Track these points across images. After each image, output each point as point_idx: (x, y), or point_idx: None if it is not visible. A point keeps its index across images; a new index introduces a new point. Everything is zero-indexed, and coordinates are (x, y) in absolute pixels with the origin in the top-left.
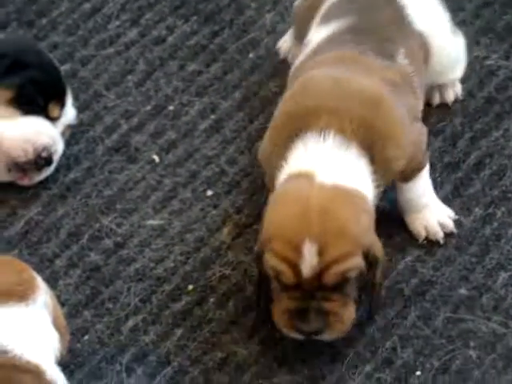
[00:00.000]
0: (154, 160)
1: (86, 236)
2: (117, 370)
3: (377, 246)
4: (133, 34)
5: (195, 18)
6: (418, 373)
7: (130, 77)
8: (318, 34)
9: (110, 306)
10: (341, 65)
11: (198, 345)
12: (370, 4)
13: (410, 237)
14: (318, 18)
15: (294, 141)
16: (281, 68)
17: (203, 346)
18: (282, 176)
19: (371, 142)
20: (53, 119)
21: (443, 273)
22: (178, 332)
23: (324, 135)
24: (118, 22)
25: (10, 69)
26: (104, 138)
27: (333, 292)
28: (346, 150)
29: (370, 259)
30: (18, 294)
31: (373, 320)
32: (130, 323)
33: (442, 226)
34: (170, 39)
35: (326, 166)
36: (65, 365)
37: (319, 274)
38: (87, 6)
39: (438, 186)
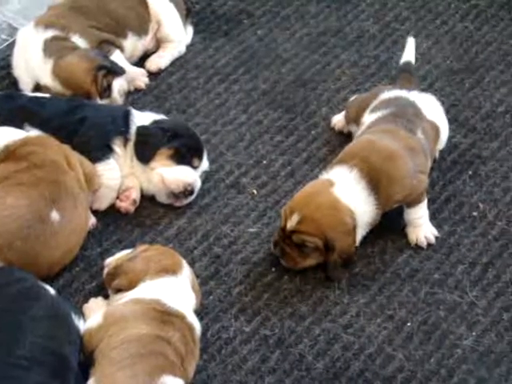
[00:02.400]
0: (253, 193)
1: (212, 237)
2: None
3: (340, 243)
4: (243, 118)
5: (280, 109)
6: (409, 324)
7: (240, 143)
8: (370, 117)
9: (226, 279)
10: (382, 134)
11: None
12: (401, 104)
13: (406, 241)
14: (369, 110)
15: (336, 167)
16: (333, 138)
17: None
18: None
19: (378, 181)
20: (194, 167)
21: (424, 264)
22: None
23: (351, 169)
24: (234, 111)
25: (171, 137)
26: (224, 179)
27: (296, 246)
28: (359, 181)
29: (329, 246)
30: (172, 269)
31: (331, 280)
32: (237, 289)
33: (427, 238)
34: (265, 122)
35: (340, 182)
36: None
37: (292, 232)
38: (217, 101)
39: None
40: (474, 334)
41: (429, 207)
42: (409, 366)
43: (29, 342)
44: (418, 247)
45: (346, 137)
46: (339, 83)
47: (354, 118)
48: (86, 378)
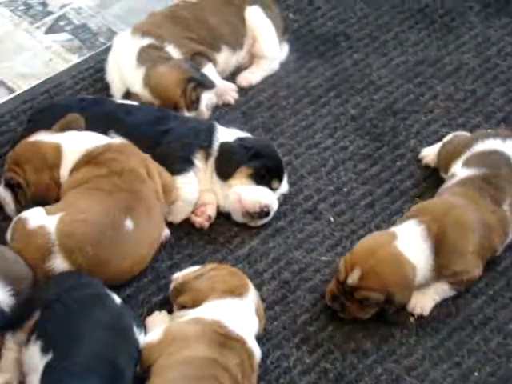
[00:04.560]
0: (330, 220)
1: (283, 262)
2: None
3: (399, 296)
4: (329, 142)
5: (367, 137)
6: (476, 373)
7: (322, 168)
8: (460, 172)
9: (292, 306)
10: (464, 199)
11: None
12: (494, 162)
13: (482, 286)
14: (460, 162)
15: (406, 220)
16: (418, 171)
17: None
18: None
19: (442, 246)
20: (273, 189)
21: (499, 313)
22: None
23: (419, 224)
24: (320, 134)
25: (253, 156)
26: (302, 203)
27: (357, 300)
28: (425, 239)
29: (389, 299)
30: (238, 291)
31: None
32: (302, 318)
33: (421, 309)
34: (351, 148)
35: (405, 236)
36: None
37: (353, 287)
38: (304, 123)
39: None
40: None
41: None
42: None
43: (86, 349)
44: (494, 294)
45: (432, 171)
46: (431, 115)
47: (444, 165)
48: None
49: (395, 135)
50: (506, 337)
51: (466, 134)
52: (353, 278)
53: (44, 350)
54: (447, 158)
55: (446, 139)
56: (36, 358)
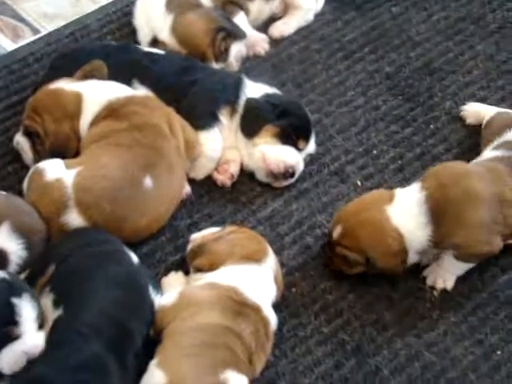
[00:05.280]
0: (357, 184)
1: (306, 225)
2: None
3: (382, 264)
4: (361, 100)
5: (401, 97)
6: (499, 352)
7: (353, 128)
8: (495, 152)
9: (312, 273)
10: (484, 169)
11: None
12: None
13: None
14: (498, 142)
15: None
16: (452, 135)
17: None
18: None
19: (443, 214)
20: (299, 149)
21: None
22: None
23: (421, 190)
24: (352, 92)
25: (280, 115)
26: (329, 164)
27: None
28: (421, 205)
29: (370, 262)
30: (256, 257)
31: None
32: (322, 285)
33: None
34: (383, 108)
35: (401, 200)
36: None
37: (335, 242)
38: (336, 79)
39: None
40: None
41: None
42: None
43: (96, 309)
44: None
45: (466, 136)
46: (469, 77)
47: (485, 144)
48: (151, 354)
49: (430, 96)
50: None
51: (509, 112)
52: (335, 234)
53: (55, 305)
54: (489, 139)
55: (488, 118)
56: (47, 311)
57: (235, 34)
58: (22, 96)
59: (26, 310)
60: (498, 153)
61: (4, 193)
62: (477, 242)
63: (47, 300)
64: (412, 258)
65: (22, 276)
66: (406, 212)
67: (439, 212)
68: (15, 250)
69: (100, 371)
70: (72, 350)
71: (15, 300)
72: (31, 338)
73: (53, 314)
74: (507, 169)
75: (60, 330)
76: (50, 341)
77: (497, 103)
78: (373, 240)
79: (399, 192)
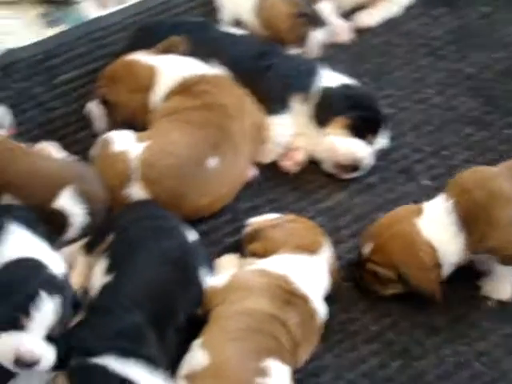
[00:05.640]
0: (424, 183)
1: (366, 220)
2: None
3: (415, 280)
4: (438, 99)
5: (480, 99)
6: None
7: (427, 126)
8: None
9: None
10: (507, 170)
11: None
12: None
13: None
14: None
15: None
16: None
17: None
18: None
19: (475, 220)
20: (370, 143)
21: None
22: None
23: (446, 199)
24: (430, 90)
25: (354, 106)
26: (398, 161)
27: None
28: (449, 215)
29: (402, 277)
30: (312, 248)
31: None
32: None
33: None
34: (460, 109)
35: (429, 213)
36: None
37: (366, 258)
38: (416, 75)
39: None
40: None
41: None
42: None
43: (143, 281)
44: None
45: None
46: None
47: None
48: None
49: (510, 100)
50: None
51: None
52: (365, 250)
53: (108, 271)
54: None
55: None
56: (98, 276)
57: (316, 21)
58: (100, 64)
59: (46, 310)
60: None
61: (72, 158)
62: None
63: (101, 265)
64: (445, 272)
65: (81, 242)
66: (436, 223)
67: (469, 218)
68: (77, 214)
69: (138, 341)
70: (113, 317)
71: (43, 294)
72: (30, 341)
73: (102, 279)
74: None
75: (105, 296)
76: (94, 306)
77: None
78: (404, 254)
79: (427, 204)
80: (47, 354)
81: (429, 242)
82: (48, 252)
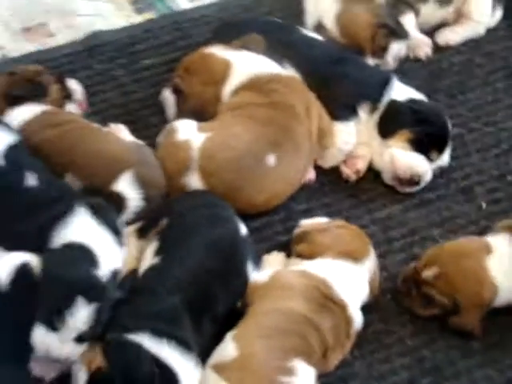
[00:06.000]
0: (482, 206)
1: (418, 236)
2: None
3: (466, 313)
4: (509, 123)
5: None
6: None
7: (493, 149)
8: None
9: None
10: None
11: None
12: None
13: None
14: None
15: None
16: None
17: None
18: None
19: None
20: (431, 160)
21: None
22: None
23: None
24: (503, 113)
25: (419, 121)
26: (459, 180)
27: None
28: None
29: (456, 309)
30: (355, 256)
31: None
32: None
33: None
34: None
35: (499, 253)
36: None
37: (425, 281)
38: (490, 97)
39: None
40: None
41: None
42: None
43: (188, 267)
44: None
45: None
46: None
47: None
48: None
49: None
50: None
51: None
52: (428, 273)
53: (157, 253)
54: None
55: None
56: (148, 257)
57: (397, 33)
58: (181, 54)
59: (80, 318)
60: None
61: (140, 142)
62: None
63: (152, 247)
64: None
65: (136, 226)
66: (505, 265)
67: None
68: (133, 198)
69: (174, 323)
70: (153, 298)
71: (80, 302)
72: (58, 345)
73: (151, 260)
74: None
75: (150, 277)
76: (138, 284)
77: None
78: (470, 290)
79: (495, 242)
80: (74, 353)
81: (494, 282)
82: (107, 246)
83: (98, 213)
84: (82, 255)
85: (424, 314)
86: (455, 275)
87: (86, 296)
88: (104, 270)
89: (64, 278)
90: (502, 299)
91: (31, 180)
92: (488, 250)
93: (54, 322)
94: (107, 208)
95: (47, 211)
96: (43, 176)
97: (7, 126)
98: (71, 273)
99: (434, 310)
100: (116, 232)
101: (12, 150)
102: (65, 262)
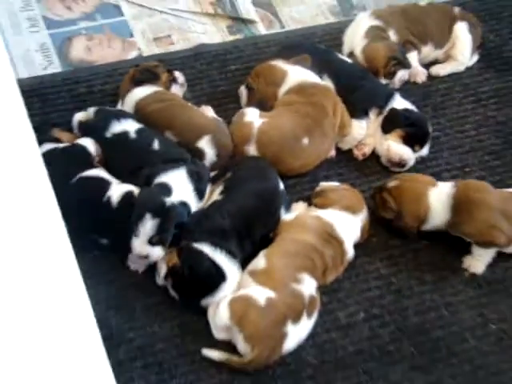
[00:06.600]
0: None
1: None
2: None
3: (406, 219)
4: (470, 133)
5: (503, 139)
6: None
7: (459, 149)
8: None
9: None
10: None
11: None
12: None
13: None
14: None
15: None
16: None
17: None
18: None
19: (460, 205)
20: (414, 151)
21: None
22: None
23: (453, 186)
24: (469, 126)
25: (409, 124)
26: (431, 167)
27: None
28: (448, 197)
29: (400, 216)
30: (354, 209)
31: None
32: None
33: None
34: (487, 143)
35: (439, 188)
36: None
37: (385, 188)
38: (461, 114)
39: None
40: None
41: None
42: None
43: (239, 204)
44: None
45: None
46: None
47: None
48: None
49: None
50: None
51: None
52: (391, 183)
53: (220, 193)
54: None
55: None
56: (215, 195)
57: (404, 64)
58: (255, 64)
59: (148, 225)
60: None
61: (219, 119)
62: (484, 235)
63: (219, 189)
64: (426, 227)
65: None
66: (439, 197)
67: (459, 206)
68: (210, 154)
69: (226, 240)
70: (214, 220)
71: (148, 216)
72: (137, 244)
73: (216, 197)
74: None
75: (211, 208)
76: (205, 211)
77: None
78: (411, 202)
79: (442, 183)
80: (151, 252)
81: (429, 204)
82: (185, 190)
83: (193, 175)
84: (162, 189)
85: (381, 215)
86: (406, 190)
87: (152, 212)
88: (173, 200)
89: (141, 201)
90: (433, 221)
91: (156, 145)
92: (434, 184)
93: (135, 230)
94: (202, 174)
95: (161, 166)
96: (164, 145)
97: (134, 117)
98: (147, 198)
99: (387, 213)
100: (198, 189)
101: (140, 130)
102: (149, 191)
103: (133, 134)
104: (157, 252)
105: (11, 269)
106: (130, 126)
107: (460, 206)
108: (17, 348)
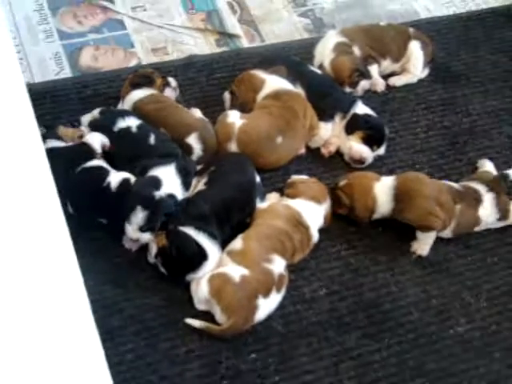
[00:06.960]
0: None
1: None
2: None
3: (357, 211)
4: (420, 136)
5: (448, 141)
6: None
7: (411, 149)
8: None
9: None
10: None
11: None
12: None
13: None
14: None
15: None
16: None
17: None
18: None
19: (402, 195)
20: (373, 150)
21: None
22: None
23: (395, 179)
24: (419, 129)
25: (368, 127)
26: (386, 164)
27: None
28: (391, 188)
29: (352, 210)
30: (318, 199)
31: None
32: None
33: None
34: (434, 144)
35: (383, 182)
36: None
37: (338, 187)
38: (414, 119)
39: None
40: None
41: None
42: None
43: (220, 195)
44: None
45: None
46: None
47: None
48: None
49: (468, 146)
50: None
51: None
52: (342, 183)
53: (204, 184)
54: None
55: None
56: (200, 185)
57: (365, 75)
58: (238, 72)
59: (139, 217)
60: None
61: (205, 119)
62: (423, 220)
63: (203, 180)
64: (376, 217)
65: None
66: (383, 189)
67: (400, 195)
68: (196, 149)
69: (207, 223)
70: (197, 207)
71: (138, 208)
72: (130, 230)
73: (200, 187)
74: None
75: (197, 196)
76: (190, 199)
77: None
78: (361, 196)
79: (384, 177)
80: (142, 237)
81: (375, 196)
82: (174, 182)
83: (182, 170)
84: (152, 182)
85: (339, 212)
86: (355, 186)
87: (143, 205)
88: (162, 192)
89: (134, 193)
90: (381, 210)
91: (152, 140)
92: (378, 179)
93: (128, 219)
94: (190, 169)
95: (155, 159)
96: (159, 139)
97: (136, 115)
98: (139, 190)
99: (342, 209)
100: (185, 182)
101: (141, 125)
102: (141, 185)
103: (134, 129)
104: (146, 237)
105: (13, 258)
106: (133, 122)
107: (401, 195)
108: (12, 324)
